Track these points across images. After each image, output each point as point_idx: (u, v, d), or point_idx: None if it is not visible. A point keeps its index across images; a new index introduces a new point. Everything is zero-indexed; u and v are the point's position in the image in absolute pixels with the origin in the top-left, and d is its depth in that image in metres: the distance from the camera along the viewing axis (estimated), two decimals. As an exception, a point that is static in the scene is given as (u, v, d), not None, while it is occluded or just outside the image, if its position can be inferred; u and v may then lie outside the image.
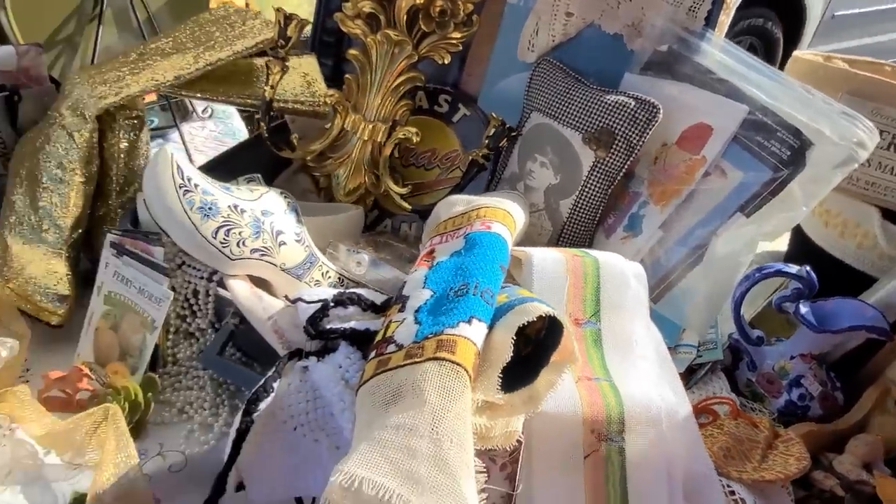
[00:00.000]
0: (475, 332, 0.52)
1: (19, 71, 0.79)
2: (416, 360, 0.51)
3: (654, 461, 0.56)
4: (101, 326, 0.69)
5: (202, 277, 0.69)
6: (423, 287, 0.60)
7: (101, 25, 0.97)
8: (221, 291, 0.69)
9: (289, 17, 0.75)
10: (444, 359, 0.49)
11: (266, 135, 0.81)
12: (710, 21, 0.80)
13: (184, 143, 1.06)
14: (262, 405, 0.57)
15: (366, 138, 0.88)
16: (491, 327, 0.55)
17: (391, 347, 0.55)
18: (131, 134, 0.78)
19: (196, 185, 0.66)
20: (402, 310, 0.59)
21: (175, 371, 0.71)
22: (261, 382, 0.59)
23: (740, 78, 0.79)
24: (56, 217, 0.72)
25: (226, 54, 0.76)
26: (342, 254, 0.79)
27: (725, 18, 0.81)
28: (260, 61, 0.86)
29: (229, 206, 0.68)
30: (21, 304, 0.71)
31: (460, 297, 0.56)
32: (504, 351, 0.52)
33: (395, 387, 0.50)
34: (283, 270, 0.71)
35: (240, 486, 0.61)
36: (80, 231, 0.75)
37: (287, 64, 0.78)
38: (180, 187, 0.66)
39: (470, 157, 0.86)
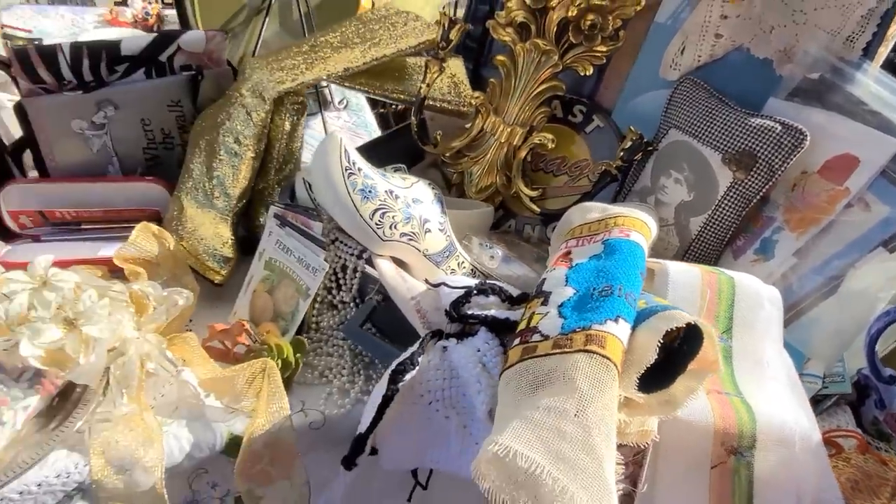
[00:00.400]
0: (621, 330, 0.55)
1: (204, 53, 0.88)
2: (566, 350, 0.54)
3: (783, 482, 0.57)
4: (258, 289, 0.76)
5: (352, 254, 0.75)
6: (566, 285, 0.63)
7: (267, 18, 1.06)
8: (368, 269, 0.74)
9: (453, 21, 0.80)
10: (594, 352, 0.52)
11: (416, 129, 0.87)
12: (869, 52, 0.79)
13: (325, 129, 1.14)
14: (408, 377, 0.62)
15: (503, 140, 0.92)
16: (633, 329, 0.57)
17: (536, 336, 0.58)
18: (294, 117, 0.85)
19: (359, 169, 0.72)
20: (544, 303, 0.62)
21: (317, 338, 0.77)
22: (406, 355, 0.64)
23: (894, 111, 0.77)
24: (227, 186, 0.80)
25: (390, 51, 0.82)
26: (475, 247, 0.83)
27: (884, 50, 0.80)
28: (413, 60, 0.92)
29: (386, 191, 0.73)
30: (191, 261, 0.79)
31: (605, 297, 0.59)
32: (647, 353, 0.55)
33: (545, 373, 0.53)
34: (424, 256, 0.76)
35: (372, 451, 0.67)
36: (243, 202, 0.82)
37: (444, 65, 0.83)
38: (345, 170, 0.72)
39: (602, 167, 0.89)
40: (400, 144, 0.96)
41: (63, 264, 0.68)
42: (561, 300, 0.61)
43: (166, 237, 0.76)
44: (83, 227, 0.83)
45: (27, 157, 0.86)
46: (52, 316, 0.63)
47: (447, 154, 0.93)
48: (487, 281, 0.70)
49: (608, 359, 0.52)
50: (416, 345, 0.65)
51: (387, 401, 0.62)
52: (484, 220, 0.92)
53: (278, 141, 0.84)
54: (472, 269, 0.80)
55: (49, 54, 0.78)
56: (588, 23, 0.86)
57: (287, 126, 0.84)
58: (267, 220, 0.78)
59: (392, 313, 0.75)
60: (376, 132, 1.31)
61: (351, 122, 1.32)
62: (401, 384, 0.62)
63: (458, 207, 0.93)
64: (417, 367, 0.63)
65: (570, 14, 0.86)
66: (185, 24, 1.06)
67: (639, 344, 0.56)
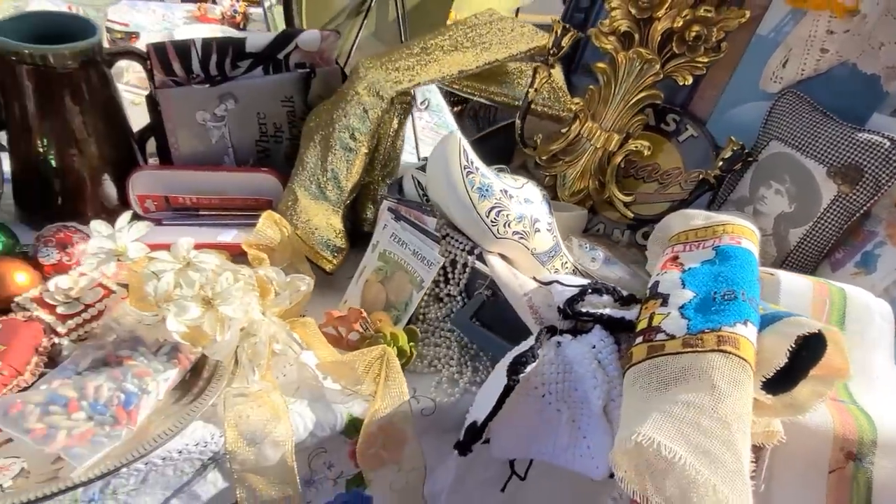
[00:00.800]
0: (751, 333, 0.57)
1: (317, 53, 0.92)
2: (698, 349, 0.56)
3: (903, 488, 0.58)
4: (371, 279, 0.80)
5: (463, 250, 0.78)
6: (684, 288, 0.65)
7: (366, 20, 1.10)
8: (478, 265, 0.77)
9: (566, 29, 0.83)
10: (729, 352, 0.54)
11: (520, 132, 0.89)
12: (982, 71, 0.80)
13: (414, 129, 1.17)
14: (528, 368, 0.65)
15: (598, 146, 0.94)
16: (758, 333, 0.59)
17: (661, 336, 0.60)
18: (401, 116, 0.88)
19: (477, 168, 0.75)
20: (663, 304, 0.64)
21: (424, 328, 0.80)
22: (525, 348, 0.66)
23: None
24: (340, 180, 0.84)
25: (503, 55, 0.84)
26: (575, 248, 0.85)
27: None
28: (513, 65, 0.95)
29: (501, 190, 0.76)
30: (304, 249, 0.82)
31: (729, 301, 0.60)
32: (775, 356, 0.57)
33: (678, 370, 0.55)
34: (532, 254, 0.78)
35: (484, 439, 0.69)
36: (353, 195, 0.86)
37: (552, 70, 0.86)
38: (464, 168, 0.75)
39: (698, 176, 0.90)
40: (491, 146, 0.99)
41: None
42: (681, 302, 0.63)
43: (285, 226, 0.80)
44: (201, 213, 0.87)
45: (150, 144, 0.91)
46: (193, 295, 0.67)
47: (543, 157, 0.96)
48: (599, 282, 0.72)
49: (744, 359, 0.54)
50: (533, 338, 0.68)
51: (508, 390, 0.64)
52: (578, 222, 0.94)
53: (386, 138, 0.87)
54: (573, 270, 0.82)
55: (183, 49, 0.82)
56: (693, 34, 0.88)
57: (395, 124, 0.87)
58: (381, 214, 0.81)
59: (498, 308, 0.78)
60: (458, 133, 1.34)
61: (432, 122, 1.35)
62: (521, 375, 0.64)
63: (555, 209, 0.96)
64: (536, 361, 0.65)
65: (675, 25, 0.88)
66: (290, 23, 1.10)
67: (766, 347, 0.58)
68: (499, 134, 1.06)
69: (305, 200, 0.84)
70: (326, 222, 0.83)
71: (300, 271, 0.80)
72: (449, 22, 1.19)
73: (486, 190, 0.75)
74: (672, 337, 0.59)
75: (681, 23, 0.87)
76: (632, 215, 0.95)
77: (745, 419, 0.51)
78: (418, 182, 0.86)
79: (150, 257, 0.68)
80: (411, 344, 0.74)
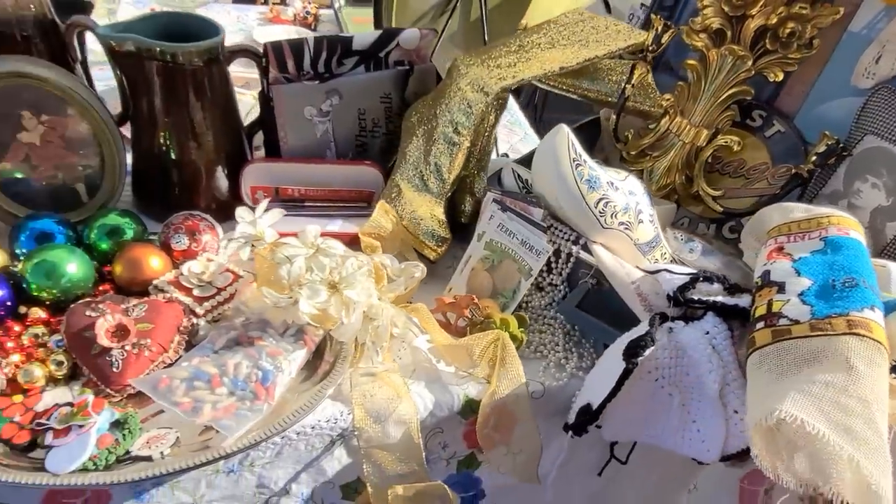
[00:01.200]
0: (879, 318, 0.59)
1: (414, 50, 0.95)
2: (828, 333, 0.58)
3: None
4: (477, 268, 0.83)
5: (567, 240, 0.80)
6: (799, 276, 0.67)
7: (450, 19, 1.13)
8: (583, 254, 0.79)
9: (667, 26, 0.85)
10: (863, 335, 0.56)
11: (614, 127, 0.92)
12: None
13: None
14: (646, 352, 0.67)
15: (687, 141, 0.96)
16: (882, 319, 0.61)
17: (784, 321, 0.62)
18: (498, 112, 0.91)
19: (585, 161, 0.78)
20: (780, 292, 0.66)
21: (528, 316, 0.82)
22: (642, 333, 0.69)
23: None
24: (443, 172, 0.87)
25: (602, 52, 0.87)
26: (671, 239, 0.87)
27: None
28: (605, 62, 0.97)
29: (608, 182, 0.78)
30: (409, 239, 0.86)
31: (851, 288, 0.62)
32: (903, 341, 0.58)
33: (809, 352, 0.57)
34: (635, 245, 0.80)
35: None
36: (453, 188, 0.89)
37: (648, 67, 0.88)
38: (573, 160, 0.77)
39: (790, 171, 0.92)
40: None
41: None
42: (799, 289, 0.65)
43: (394, 215, 0.84)
44: (306, 204, 0.91)
45: (257, 138, 0.95)
46: (322, 279, 0.70)
47: (632, 152, 0.98)
48: (708, 271, 0.74)
49: (879, 343, 0.55)
50: (646, 324, 0.70)
51: (627, 373, 0.67)
52: (667, 216, 0.96)
53: (483, 133, 0.90)
54: (671, 260, 0.84)
55: (297, 47, 0.86)
56: (787, 31, 0.89)
57: (492, 119, 0.90)
58: (485, 205, 0.84)
59: (602, 296, 0.80)
60: (528, 129, 1.37)
61: (505, 119, 1.38)
62: (639, 359, 0.67)
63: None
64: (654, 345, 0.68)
65: (769, 22, 0.89)
66: (378, 23, 1.14)
67: (892, 333, 0.59)
68: (582, 130, 1.08)
69: (409, 192, 0.87)
70: (430, 213, 0.86)
71: (407, 259, 0.83)
72: (522, 23, 1.21)
73: (594, 182, 0.77)
74: (796, 322, 0.61)
75: (775, 20, 0.89)
76: (720, 209, 0.96)
77: (882, 399, 0.53)
78: (518, 175, 0.89)
79: (280, 243, 0.72)
80: (521, 329, 0.77)
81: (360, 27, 1.51)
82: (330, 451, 0.70)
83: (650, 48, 0.87)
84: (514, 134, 1.32)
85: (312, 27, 1.59)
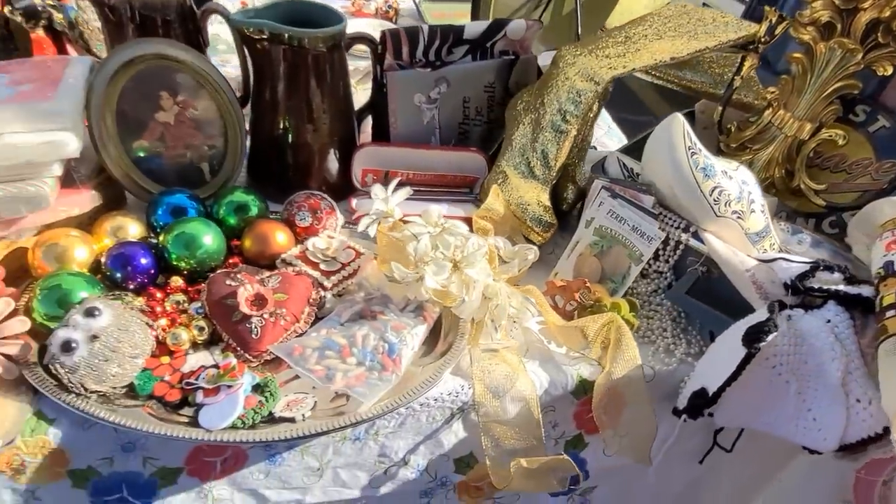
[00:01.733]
0: None
1: (519, 41, 0.97)
2: (970, 320, 0.58)
3: None
4: (584, 253, 0.84)
5: (677, 227, 0.81)
6: (926, 266, 0.67)
7: (545, 13, 1.15)
8: (692, 242, 0.80)
9: (781, 17, 0.85)
10: None
11: (719, 119, 0.92)
12: None
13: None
14: (769, 338, 0.67)
15: (789, 134, 0.95)
16: None
17: (917, 310, 0.62)
18: (601, 102, 0.92)
19: (700, 150, 0.78)
20: (908, 282, 0.66)
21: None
22: (762, 319, 0.69)
23: None
24: (549, 159, 0.88)
25: (712, 43, 0.87)
26: (778, 230, 0.87)
27: None
28: (709, 54, 0.98)
29: (721, 171, 0.79)
30: (516, 224, 0.88)
31: None
32: None
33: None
34: (745, 234, 0.81)
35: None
36: (558, 175, 0.90)
37: (758, 59, 0.88)
38: (688, 149, 0.78)
39: (897, 166, 0.91)
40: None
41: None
42: (929, 279, 0.65)
43: (504, 200, 0.86)
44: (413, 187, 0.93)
45: (365, 123, 0.98)
46: (446, 257, 0.73)
47: (732, 144, 0.98)
48: (826, 260, 0.74)
49: None
50: (765, 311, 0.71)
51: (749, 358, 0.67)
52: (769, 209, 0.96)
53: (587, 122, 0.91)
54: (779, 251, 0.84)
55: (413, 35, 0.89)
56: (901, 23, 0.88)
57: (595, 108, 0.91)
58: (592, 192, 0.85)
59: (711, 284, 0.81)
60: (612, 123, 1.37)
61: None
62: (761, 344, 0.67)
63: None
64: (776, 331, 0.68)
65: (882, 15, 0.88)
66: (476, 14, 1.16)
67: None
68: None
69: (515, 178, 0.89)
70: (536, 199, 0.88)
71: (516, 243, 0.85)
72: (607, 24, 1.22)
73: (709, 170, 0.78)
74: (930, 311, 0.61)
75: (888, 13, 0.88)
76: (823, 204, 0.96)
77: None
78: (623, 164, 0.90)
79: (406, 220, 0.74)
80: (632, 314, 0.78)
81: (440, 22, 1.54)
82: (449, 425, 0.73)
83: (763, 39, 0.87)
84: (599, 128, 1.33)
85: (393, 21, 1.62)
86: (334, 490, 0.73)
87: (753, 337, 0.67)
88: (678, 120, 0.78)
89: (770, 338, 0.67)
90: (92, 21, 0.99)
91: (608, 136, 1.33)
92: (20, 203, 0.68)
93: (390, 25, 1.58)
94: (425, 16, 1.56)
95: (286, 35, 0.81)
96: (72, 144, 0.68)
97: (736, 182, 0.79)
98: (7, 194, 0.67)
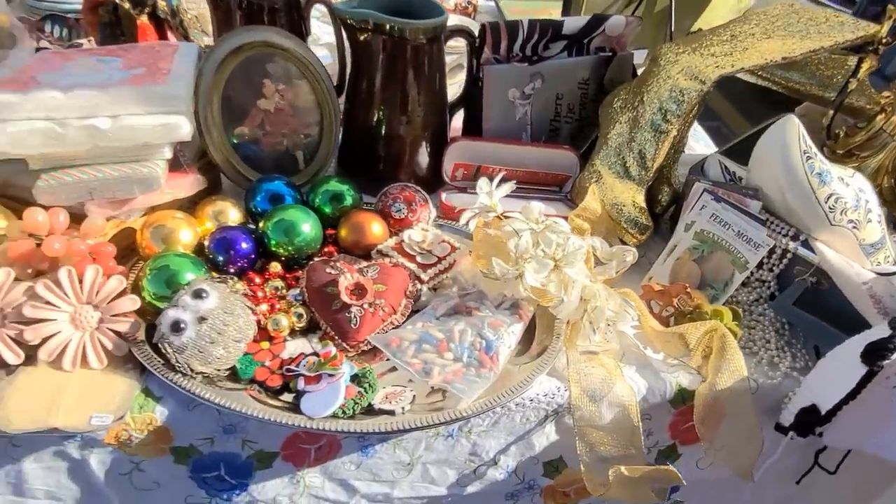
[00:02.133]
0: None
1: (616, 38, 0.95)
2: None
3: None
4: (683, 257, 0.81)
5: (785, 235, 0.77)
6: None
7: (636, 11, 1.12)
8: (802, 251, 0.76)
9: (906, 17, 0.81)
10: None
11: (829, 124, 0.88)
12: None
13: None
14: (893, 356, 0.63)
15: (902, 142, 0.91)
16: None
17: None
18: (701, 102, 0.89)
19: (815, 154, 0.75)
20: None
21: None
22: (884, 336, 0.65)
23: None
24: (647, 160, 0.86)
25: (828, 44, 0.83)
26: (892, 241, 0.83)
27: None
28: (818, 55, 0.93)
29: (838, 178, 0.75)
30: (611, 225, 0.85)
31: None
32: None
33: None
34: (860, 245, 0.77)
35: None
36: (655, 176, 0.87)
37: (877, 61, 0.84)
38: (803, 153, 0.74)
39: None
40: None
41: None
42: None
43: (600, 200, 0.83)
44: (502, 184, 0.92)
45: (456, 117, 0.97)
46: (545, 255, 0.71)
47: (839, 151, 0.94)
48: (954, 276, 0.69)
49: None
50: (887, 327, 0.67)
51: (870, 377, 0.64)
52: (878, 219, 0.91)
53: (688, 122, 0.88)
54: (895, 263, 0.80)
55: (513, 29, 0.88)
56: None
57: (697, 108, 0.88)
58: (693, 195, 0.82)
59: (820, 295, 0.77)
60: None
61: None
62: (885, 362, 0.63)
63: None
64: (898, 349, 0.64)
65: None
66: (567, 10, 1.14)
67: None
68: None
69: (609, 178, 0.87)
70: (631, 200, 0.85)
71: (612, 244, 0.83)
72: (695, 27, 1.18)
73: (825, 176, 0.74)
74: None
75: None
76: (936, 215, 0.91)
77: None
78: (725, 167, 0.87)
79: (507, 216, 0.73)
80: (735, 323, 0.75)
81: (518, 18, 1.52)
82: (542, 427, 0.71)
83: (884, 40, 0.82)
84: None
85: (472, 17, 1.61)
86: (422, 486, 0.72)
87: (875, 354, 0.64)
88: (793, 122, 0.75)
89: (894, 356, 0.63)
90: (191, 10, 1.01)
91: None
92: (133, 183, 0.69)
93: (469, 21, 1.57)
94: (504, 12, 1.54)
95: (388, 25, 0.80)
96: (185, 127, 0.70)
97: (853, 189, 0.75)
98: (122, 175, 0.68)
